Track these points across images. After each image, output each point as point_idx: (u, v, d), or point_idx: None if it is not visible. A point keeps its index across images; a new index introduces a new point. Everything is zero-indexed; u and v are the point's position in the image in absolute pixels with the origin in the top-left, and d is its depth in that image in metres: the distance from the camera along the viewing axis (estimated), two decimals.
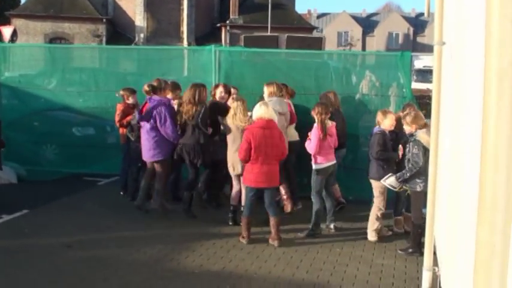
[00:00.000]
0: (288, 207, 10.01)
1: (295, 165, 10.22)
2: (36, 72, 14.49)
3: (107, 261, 7.80)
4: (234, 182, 9.62)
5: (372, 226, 8.79)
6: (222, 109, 9.73)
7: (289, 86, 10.49)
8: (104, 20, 49.82)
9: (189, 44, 49.99)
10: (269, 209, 8.65)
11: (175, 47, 13.50)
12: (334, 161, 9.17)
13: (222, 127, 9.72)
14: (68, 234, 8.96)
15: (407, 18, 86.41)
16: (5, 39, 26.90)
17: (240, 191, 9.46)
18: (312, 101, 10.33)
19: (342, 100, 10.66)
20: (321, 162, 8.92)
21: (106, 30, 49.81)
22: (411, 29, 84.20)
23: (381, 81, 11.33)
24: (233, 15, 51.70)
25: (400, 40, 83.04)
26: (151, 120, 9.68)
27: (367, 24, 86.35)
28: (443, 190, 6.25)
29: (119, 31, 50.93)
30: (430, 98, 18.33)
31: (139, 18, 51.12)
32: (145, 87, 9.91)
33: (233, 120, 9.24)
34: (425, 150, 7.83)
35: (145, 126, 9.81)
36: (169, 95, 10.15)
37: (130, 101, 10.99)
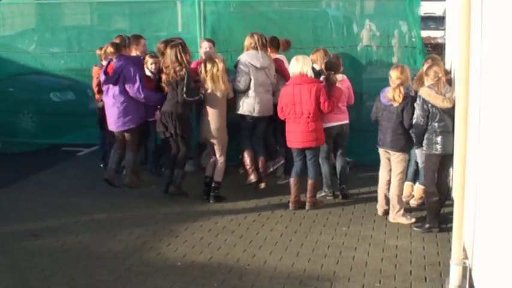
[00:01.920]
0: (250, 177, 8.72)
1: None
2: (14, 33, 13.26)
3: (76, 254, 6.70)
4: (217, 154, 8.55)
5: (399, 211, 7.51)
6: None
7: (282, 38, 9.25)
8: None
9: None
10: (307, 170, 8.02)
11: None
12: (341, 122, 8.20)
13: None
14: (37, 219, 7.89)
15: None
16: None
17: (223, 163, 8.50)
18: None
19: (342, 54, 9.43)
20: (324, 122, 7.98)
21: None
22: None
23: (387, 30, 10.06)
24: None
25: None
26: (119, 83, 8.48)
27: None
28: (473, 164, 5.08)
29: None
30: (432, 45, 16.96)
31: None
32: (109, 48, 8.68)
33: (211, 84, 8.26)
34: (432, 107, 6.97)
35: (112, 90, 8.61)
36: (135, 52, 9.03)
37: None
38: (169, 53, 8.16)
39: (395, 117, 7.37)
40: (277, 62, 8.82)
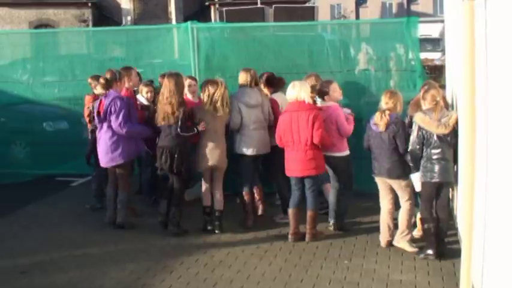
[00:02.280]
0: (247, 222, 8.46)
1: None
2: (6, 62, 13.07)
3: None
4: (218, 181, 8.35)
5: (406, 235, 7.25)
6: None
7: (276, 76, 8.91)
8: (90, 4, 48.22)
9: None
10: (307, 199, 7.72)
11: (150, 26, 12.14)
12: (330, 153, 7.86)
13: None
14: (26, 254, 7.57)
15: None
16: None
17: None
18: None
19: (340, 78, 9.22)
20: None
21: (92, 15, 48.20)
22: None
23: (385, 54, 9.87)
24: None
25: (394, 9, 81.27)
26: (108, 118, 8.22)
27: None
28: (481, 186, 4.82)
29: (105, 15, 49.29)
30: (429, 67, 16.82)
31: (125, 1, 49.59)
32: (99, 87, 8.50)
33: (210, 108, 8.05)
34: (426, 133, 6.76)
35: (102, 126, 8.36)
36: (128, 84, 8.79)
37: (98, 90, 9.44)
38: (167, 85, 7.96)
39: (388, 144, 7.12)
40: (272, 103, 8.58)
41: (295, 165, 7.59)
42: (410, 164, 7.09)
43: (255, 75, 8.45)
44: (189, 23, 9.93)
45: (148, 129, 8.37)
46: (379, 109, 7.22)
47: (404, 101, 7.67)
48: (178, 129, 7.84)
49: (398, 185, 7.22)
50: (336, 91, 7.94)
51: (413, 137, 6.86)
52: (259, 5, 13.44)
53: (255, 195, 8.49)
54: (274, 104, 8.55)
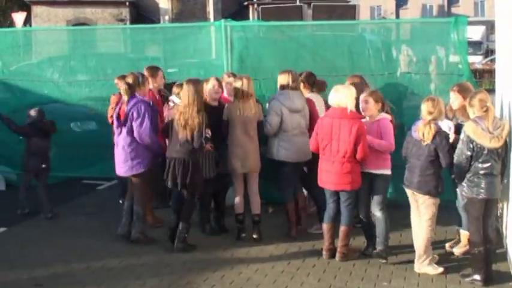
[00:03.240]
0: (292, 232, 7.96)
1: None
2: (37, 60, 12.75)
3: None
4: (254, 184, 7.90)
5: (425, 260, 6.62)
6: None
7: (317, 78, 8.41)
8: (127, 3, 48.24)
9: None
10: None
11: (181, 24, 11.76)
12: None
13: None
14: (43, 264, 7.16)
15: None
16: (17, 26, 25.53)
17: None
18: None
19: (381, 82, 8.65)
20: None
21: (129, 14, 48.27)
22: (445, 0, 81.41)
23: (429, 56, 9.24)
24: None
25: (435, 12, 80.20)
26: (128, 123, 7.69)
27: None
28: None
29: (142, 14, 49.29)
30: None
31: (163, 0, 49.49)
32: (123, 87, 7.80)
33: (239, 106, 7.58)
34: (475, 144, 6.10)
35: (121, 130, 7.82)
36: (152, 85, 8.31)
37: None
38: (188, 91, 7.38)
39: (426, 155, 6.45)
40: (308, 102, 8.03)
41: (329, 177, 6.97)
42: (452, 176, 6.48)
43: (297, 77, 7.92)
44: (222, 21, 9.41)
45: (162, 148, 7.81)
46: (421, 118, 6.58)
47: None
48: (203, 140, 7.25)
49: (423, 201, 6.58)
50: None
51: (461, 149, 6.21)
52: (297, 3, 12.87)
53: (299, 202, 8.04)
54: (310, 104, 7.99)
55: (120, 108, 7.78)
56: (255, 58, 9.38)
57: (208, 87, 7.88)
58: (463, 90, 6.93)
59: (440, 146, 6.38)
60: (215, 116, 7.61)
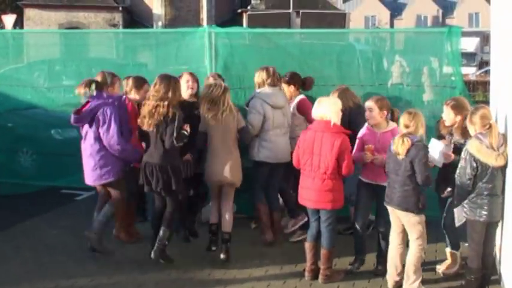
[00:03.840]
0: (266, 236, 7.66)
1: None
2: (23, 64, 12.37)
3: None
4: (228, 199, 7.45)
5: (414, 282, 6.20)
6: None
7: (301, 76, 8.15)
8: (120, 8, 47.99)
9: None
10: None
11: (164, 30, 11.40)
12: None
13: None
14: (9, 283, 6.75)
15: (436, 0, 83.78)
16: (7, 28, 25.18)
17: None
18: None
19: (371, 94, 8.27)
20: None
21: (122, 19, 48.05)
22: (440, 11, 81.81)
23: (421, 67, 8.89)
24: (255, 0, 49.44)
25: (429, 22, 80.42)
26: (94, 128, 7.23)
27: (395, 7, 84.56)
28: None
29: (136, 20, 49.04)
30: (465, 83, 15.53)
31: (156, 6, 49.36)
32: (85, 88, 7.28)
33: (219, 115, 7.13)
34: (479, 163, 5.67)
35: (88, 135, 7.35)
36: (133, 95, 7.73)
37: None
38: (160, 85, 6.85)
39: (403, 170, 6.05)
40: (302, 102, 7.72)
41: (309, 194, 6.56)
42: (449, 198, 6.13)
43: (274, 73, 7.59)
44: (206, 27, 9.03)
45: (139, 154, 7.26)
46: (398, 132, 6.21)
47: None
48: (174, 140, 6.76)
49: (407, 219, 6.18)
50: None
51: (464, 168, 5.80)
52: (285, 10, 12.55)
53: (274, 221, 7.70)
54: (305, 103, 7.70)
55: (83, 106, 7.25)
56: (240, 66, 8.98)
57: (182, 82, 7.54)
58: (457, 107, 6.53)
59: (416, 159, 5.95)
60: (192, 112, 7.27)
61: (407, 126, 6.04)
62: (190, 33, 9.56)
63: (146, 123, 6.85)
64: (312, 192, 6.51)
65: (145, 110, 6.85)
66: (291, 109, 7.85)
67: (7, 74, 11.82)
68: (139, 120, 6.95)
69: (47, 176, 10.88)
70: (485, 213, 5.74)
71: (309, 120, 7.35)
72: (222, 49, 9.01)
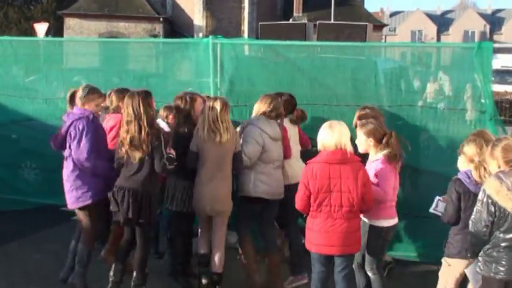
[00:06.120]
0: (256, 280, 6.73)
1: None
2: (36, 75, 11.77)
3: None
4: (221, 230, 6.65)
5: None
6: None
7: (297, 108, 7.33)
8: (161, 19, 47.86)
9: None
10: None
11: (165, 40, 10.75)
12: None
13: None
14: None
15: (484, 15, 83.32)
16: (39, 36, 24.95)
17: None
18: (348, 115, 7.06)
19: (392, 115, 7.38)
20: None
21: (163, 30, 47.89)
22: (487, 27, 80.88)
23: (446, 89, 7.93)
24: (297, 12, 48.86)
25: (476, 38, 79.18)
26: (67, 145, 6.49)
27: (442, 22, 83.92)
28: None
29: (176, 30, 48.84)
30: (509, 102, 14.16)
31: (198, 17, 49.13)
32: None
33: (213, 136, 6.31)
34: (497, 208, 4.68)
35: (66, 154, 6.58)
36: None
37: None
38: (131, 102, 6.08)
39: None
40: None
41: (329, 240, 5.49)
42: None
43: (279, 107, 6.72)
44: (210, 37, 8.22)
45: (113, 170, 6.42)
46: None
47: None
48: (166, 162, 5.99)
49: (455, 265, 5.46)
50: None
51: (480, 212, 4.79)
52: (301, 21, 11.67)
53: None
54: (283, 132, 6.82)
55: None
56: (245, 81, 8.15)
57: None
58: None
59: None
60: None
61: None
62: (194, 44, 8.75)
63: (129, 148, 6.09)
64: (333, 235, 5.47)
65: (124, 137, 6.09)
66: None
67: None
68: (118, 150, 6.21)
69: (48, 193, 10.16)
70: (503, 269, 4.73)
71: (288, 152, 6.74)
72: (227, 62, 8.20)
